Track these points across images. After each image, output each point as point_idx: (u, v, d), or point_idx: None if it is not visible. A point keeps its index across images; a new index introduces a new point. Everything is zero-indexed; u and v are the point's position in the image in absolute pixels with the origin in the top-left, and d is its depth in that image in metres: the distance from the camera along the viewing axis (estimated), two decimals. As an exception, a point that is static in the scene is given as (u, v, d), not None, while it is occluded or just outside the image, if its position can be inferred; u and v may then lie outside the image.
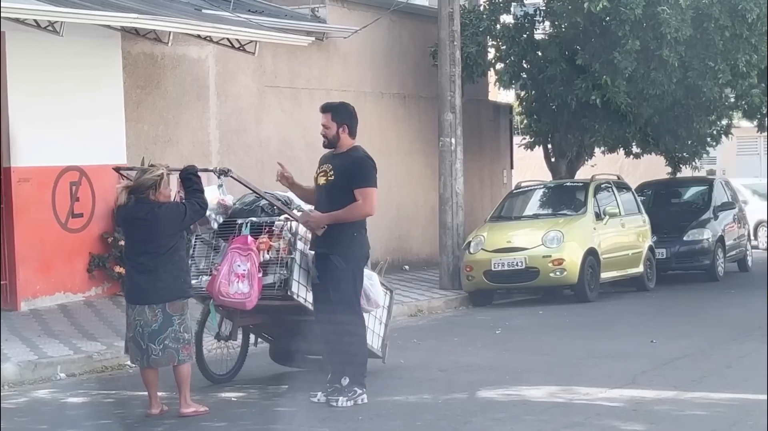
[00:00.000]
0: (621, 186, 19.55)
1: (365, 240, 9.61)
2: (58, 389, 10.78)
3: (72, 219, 15.29)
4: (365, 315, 10.65)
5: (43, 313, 14.38)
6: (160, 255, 9.24)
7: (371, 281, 10.60)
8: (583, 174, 22.77)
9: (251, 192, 10.43)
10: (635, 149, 23.00)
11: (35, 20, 13.59)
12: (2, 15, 12.87)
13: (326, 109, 9.66)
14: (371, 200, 9.41)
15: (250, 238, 9.86)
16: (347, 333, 9.52)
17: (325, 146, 9.67)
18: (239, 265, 9.72)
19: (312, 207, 9.80)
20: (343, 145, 9.56)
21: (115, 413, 9.54)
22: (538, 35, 21.62)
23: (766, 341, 12.14)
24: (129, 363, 10.62)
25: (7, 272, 14.57)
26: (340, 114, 9.61)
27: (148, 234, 9.27)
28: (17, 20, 13.58)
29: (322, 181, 9.53)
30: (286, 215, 10.06)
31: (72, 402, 10.11)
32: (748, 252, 22.21)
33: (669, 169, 23.74)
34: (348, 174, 9.41)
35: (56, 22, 13.58)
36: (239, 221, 10.22)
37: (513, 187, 20.96)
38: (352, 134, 9.60)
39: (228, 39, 16.30)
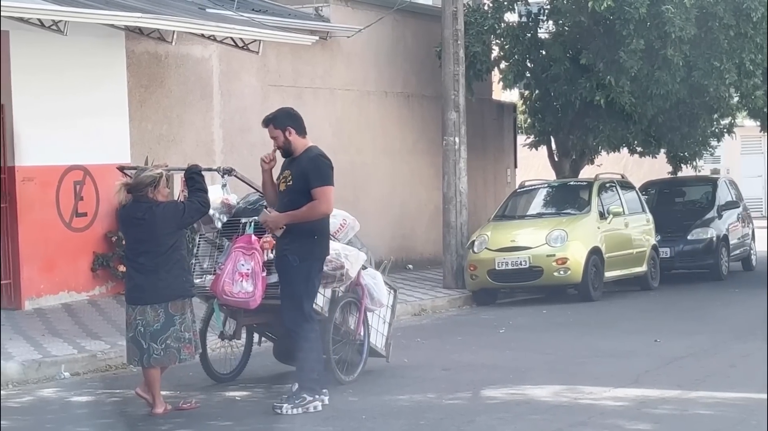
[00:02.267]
0: (625, 185, 19.53)
1: (325, 245, 9.55)
2: (62, 388, 10.79)
3: (76, 219, 15.30)
4: (369, 314, 10.69)
5: (47, 312, 14.38)
6: (161, 255, 9.25)
7: (375, 280, 10.62)
8: (587, 173, 22.75)
9: (255, 191, 10.45)
10: (639, 149, 22.99)
11: (39, 20, 13.60)
12: (6, 14, 12.89)
13: (266, 122, 9.62)
14: (328, 199, 9.38)
15: (253, 237, 9.86)
16: (295, 335, 9.43)
17: (284, 156, 9.64)
18: (243, 264, 9.72)
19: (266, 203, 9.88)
20: (297, 148, 9.51)
21: (120, 412, 9.54)
22: (542, 34, 21.61)
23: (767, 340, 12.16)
24: (126, 363, 10.60)
25: (11, 271, 14.58)
26: (279, 119, 9.57)
27: (147, 234, 9.27)
28: (21, 19, 13.59)
29: (282, 187, 9.53)
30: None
31: (76, 401, 10.12)
32: (752, 251, 22.18)
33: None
34: (304, 175, 9.38)
35: (60, 21, 13.58)
36: (243, 220, 10.23)
37: (517, 186, 20.94)
38: (301, 133, 9.55)
39: (232, 38, 16.30)
